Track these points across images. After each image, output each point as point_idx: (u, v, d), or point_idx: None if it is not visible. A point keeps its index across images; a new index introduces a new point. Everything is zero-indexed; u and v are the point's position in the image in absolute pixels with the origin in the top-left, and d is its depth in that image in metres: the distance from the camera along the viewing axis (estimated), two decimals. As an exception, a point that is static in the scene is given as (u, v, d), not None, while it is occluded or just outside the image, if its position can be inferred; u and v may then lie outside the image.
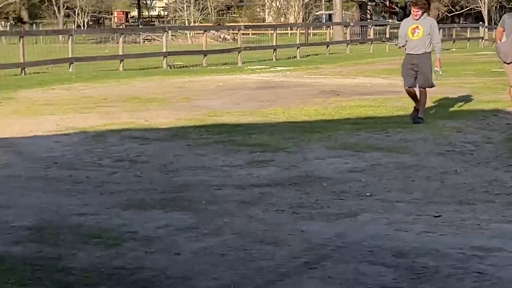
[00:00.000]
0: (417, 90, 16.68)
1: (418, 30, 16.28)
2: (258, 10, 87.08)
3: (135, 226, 8.88)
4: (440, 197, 10.23)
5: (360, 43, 59.14)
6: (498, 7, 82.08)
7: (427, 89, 16.56)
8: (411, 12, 16.76)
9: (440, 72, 16.65)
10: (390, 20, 76.78)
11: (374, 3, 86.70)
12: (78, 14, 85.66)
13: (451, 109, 18.87)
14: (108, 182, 11.29)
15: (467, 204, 9.82)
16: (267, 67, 37.22)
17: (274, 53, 43.36)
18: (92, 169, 12.32)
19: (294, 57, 44.50)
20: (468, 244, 8.05)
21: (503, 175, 11.53)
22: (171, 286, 6.91)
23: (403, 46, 16.86)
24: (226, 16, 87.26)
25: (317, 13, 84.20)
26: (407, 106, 18.15)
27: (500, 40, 16.98)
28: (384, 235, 8.44)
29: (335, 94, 23.03)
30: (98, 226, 8.88)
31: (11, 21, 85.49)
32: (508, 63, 16.82)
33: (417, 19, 16.40)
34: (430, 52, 16.53)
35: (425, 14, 16.78)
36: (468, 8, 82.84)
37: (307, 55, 45.92)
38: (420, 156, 13.14)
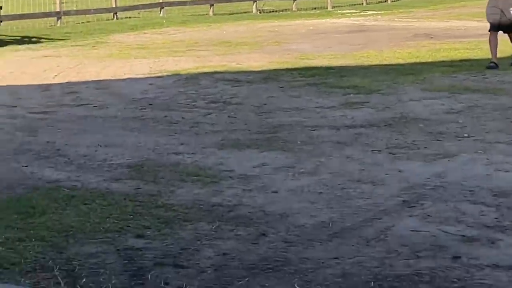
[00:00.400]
0: None
1: None
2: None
3: (231, 164, 8.95)
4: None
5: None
6: None
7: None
8: None
9: None
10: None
11: None
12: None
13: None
14: (203, 123, 11.37)
15: None
16: (358, 11, 36.88)
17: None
18: (186, 110, 12.41)
19: (385, 1, 44.02)
20: None
21: None
22: (269, 223, 6.94)
23: None
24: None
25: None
26: (504, 48, 17.83)
27: None
28: (484, 175, 8.37)
29: (428, 37, 22.74)
30: (195, 165, 8.97)
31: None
32: None
33: None
34: None
35: None
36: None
37: None
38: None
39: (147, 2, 36.28)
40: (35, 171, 8.77)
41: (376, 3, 42.60)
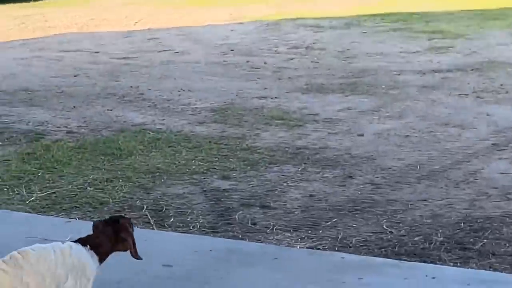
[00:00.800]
0: None
1: None
2: None
3: (315, 108, 8.92)
4: None
5: None
6: None
7: None
8: None
9: None
10: None
11: None
12: None
13: None
14: (286, 68, 11.34)
15: None
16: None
17: None
18: (268, 55, 12.38)
19: None
20: None
21: None
22: (356, 165, 6.93)
23: None
24: None
25: None
26: None
27: None
28: None
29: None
30: (279, 108, 8.96)
31: None
32: None
33: None
34: None
35: None
36: None
37: None
38: None
39: None
40: (119, 114, 8.84)
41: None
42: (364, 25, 15.12)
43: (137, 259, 3.76)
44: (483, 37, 13.20)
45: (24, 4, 20.57)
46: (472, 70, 10.76)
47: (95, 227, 3.73)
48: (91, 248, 3.59)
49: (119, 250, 3.68)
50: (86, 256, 3.55)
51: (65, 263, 3.48)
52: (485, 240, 5.30)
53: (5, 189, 6.48)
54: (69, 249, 3.51)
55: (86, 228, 5.54)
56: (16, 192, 6.41)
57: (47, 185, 6.55)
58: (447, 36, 13.05)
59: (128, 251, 3.64)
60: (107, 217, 3.83)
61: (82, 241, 3.61)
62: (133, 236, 3.72)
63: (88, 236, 3.65)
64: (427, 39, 13.28)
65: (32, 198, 6.25)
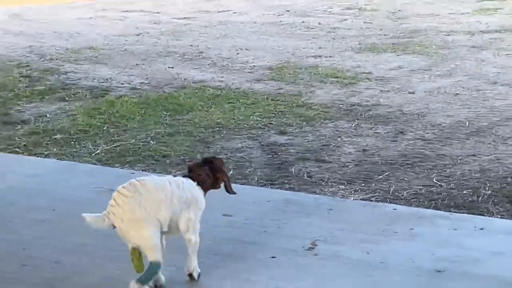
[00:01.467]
0: None
1: None
2: None
3: (368, 67, 8.91)
4: None
5: None
6: None
7: None
8: None
9: None
10: None
11: None
12: None
13: None
14: (340, 28, 11.31)
15: None
16: None
17: None
18: (323, 15, 12.34)
19: None
20: None
21: None
22: (407, 121, 6.93)
23: None
24: None
25: None
26: None
27: None
28: None
29: None
30: (333, 67, 8.95)
31: None
32: None
33: None
34: None
35: None
36: None
37: None
38: None
39: None
40: (180, 72, 8.89)
41: None
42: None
43: (233, 193, 4.10)
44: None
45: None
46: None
47: (194, 165, 4.01)
48: (199, 184, 3.87)
49: (216, 188, 4.00)
50: (197, 189, 3.85)
51: (181, 195, 3.76)
52: (532, 193, 5.32)
53: (72, 142, 6.58)
54: (181, 183, 3.80)
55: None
56: (83, 145, 6.51)
57: (112, 138, 6.64)
58: (496, -1, 12.87)
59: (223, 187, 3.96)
60: (200, 159, 4.13)
61: (192, 178, 3.89)
62: (228, 175, 4.02)
63: (193, 173, 3.91)
64: (476, 1, 13.14)
65: (98, 151, 6.35)
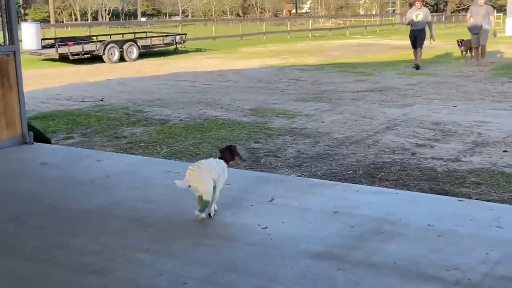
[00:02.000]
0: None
1: (419, 15, 14.53)
2: (356, 9, 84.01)
3: (301, 109, 8.97)
4: (456, 97, 9.87)
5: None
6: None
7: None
8: (415, 4, 14.77)
9: (434, 40, 14.81)
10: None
11: (427, 5, 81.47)
12: (266, 10, 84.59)
13: (459, 54, 17.79)
14: (286, 89, 11.36)
15: (471, 100, 9.45)
16: (362, 36, 35.96)
17: (365, 29, 41.81)
18: (278, 83, 12.41)
19: (375, 31, 42.74)
20: (472, 119, 7.79)
21: (489, 87, 11.00)
22: (320, 136, 6.99)
23: (408, 24, 15.12)
24: (339, 11, 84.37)
25: (387, 9, 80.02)
26: (440, 53, 17.39)
27: (469, 21, 15.33)
28: (427, 114, 8.25)
29: (397, 48, 22.10)
30: (283, 109, 9.01)
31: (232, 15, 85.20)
32: (474, 34, 15.10)
33: (419, 8, 14.59)
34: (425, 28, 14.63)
35: (423, 5, 15.00)
36: (468, 5, 76.76)
37: (383, 30, 44.04)
38: (445, 77, 12.64)
39: (257, 31, 36.07)
40: (205, 111, 8.93)
41: (372, 32, 41.34)
42: (325, 69, 15.03)
43: (244, 161, 5.00)
44: (382, 75, 13.14)
45: (159, 58, 20.67)
46: (377, 91, 10.73)
47: (221, 150, 4.11)
48: (225, 161, 4.00)
49: (234, 160, 4.14)
50: (225, 165, 3.98)
51: (218, 167, 3.92)
52: (382, 173, 5.36)
53: (149, 147, 6.60)
54: (218, 161, 3.96)
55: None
56: (155, 149, 6.53)
57: (170, 145, 6.65)
58: (364, 74, 12.98)
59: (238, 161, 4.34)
60: (224, 146, 4.26)
61: (220, 157, 4.01)
62: (239, 153, 4.21)
63: (221, 155, 4.03)
64: (355, 75, 13.23)
65: (163, 152, 6.37)
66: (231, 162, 4.11)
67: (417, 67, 14.37)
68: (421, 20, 14.54)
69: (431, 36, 14.64)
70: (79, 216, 4.20)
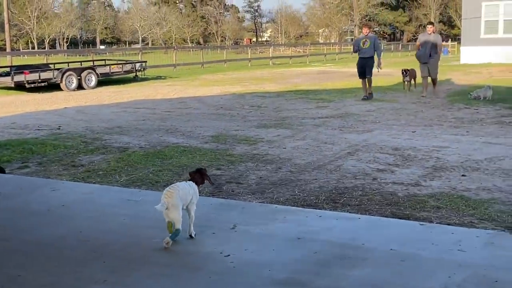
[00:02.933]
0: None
1: (366, 42, 13.90)
2: (316, 37, 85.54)
3: (263, 135, 8.93)
4: (415, 123, 10.02)
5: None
6: (439, 33, 78.50)
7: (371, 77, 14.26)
8: (362, 30, 14.37)
9: (381, 68, 14.20)
10: (382, 40, 73.96)
11: (375, 32, 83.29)
12: (227, 38, 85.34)
13: (417, 81, 18.20)
14: (248, 116, 11.33)
15: (429, 126, 9.61)
16: (321, 63, 36.58)
17: (325, 57, 42.59)
18: (239, 110, 12.38)
19: (335, 59, 43.56)
20: (431, 144, 7.89)
21: (446, 113, 11.23)
22: (282, 162, 6.96)
23: (355, 52, 14.49)
24: (299, 39, 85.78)
25: (346, 38, 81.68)
26: (398, 80, 17.76)
27: (418, 49, 14.29)
28: (387, 140, 8.32)
29: (356, 75, 22.48)
30: (244, 135, 8.95)
31: (193, 43, 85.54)
32: (423, 63, 14.23)
33: (366, 35, 14.03)
34: (373, 56, 14.00)
35: (371, 32, 14.42)
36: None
37: (342, 58, 44.92)
38: (403, 103, 12.85)
39: (218, 59, 36.29)
40: (165, 138, 8.81)
41: (331, 60, 42.12)
42: (286, 96, 15.13)
43: (212, 184, 5.07)
44: (342, 101, 13.29)
45: (119, 85, 20.49)
46: (338, 117, 10.80)
47: (192, 173, 4.25)
48: (195, 183, 4.17)
49: (203, 183, 4.28)
50: (196, 187, 4.14)
51: (191, 190, 4.08)
52: (344, 198, 5.36)
53: (108, 175, 6.45)
54: (190, 183, 4.12)
55: (151, 195, 5.52)
56: (113, 176, 6.39)
57: (129, 173, 6.51)
58: (325, 101, 13.07)
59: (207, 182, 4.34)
60: (194, 169, 4.36)
61: (191, 180, 4.15)
62: (209, 176, 4.35)
63: (191, 178, 4.18)
64: (316, 102, 13.32)
65: (121, 180, 6.23)
66: (201, 185, 4.22)
67: (368, 97, 13.76)
68: (369, 47, 13.89)
69: (379, 64, 13.97)
70: (32, 248, 4.05)
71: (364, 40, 14.02)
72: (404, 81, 15.89)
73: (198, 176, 4.24)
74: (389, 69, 21.33)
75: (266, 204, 5.12)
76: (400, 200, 5.25)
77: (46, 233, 4.35)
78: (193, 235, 4.09)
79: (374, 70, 14.15)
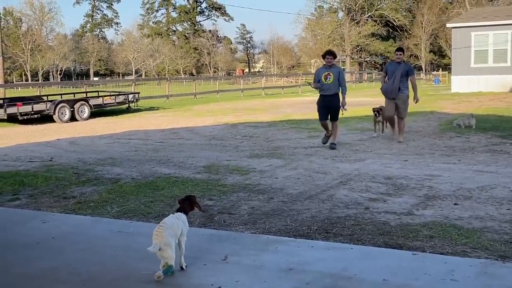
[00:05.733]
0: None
1: (329, 77, 10.53)
2: (307, 68, 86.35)
3: (255, 165, 8.91)
4: (407, 152, 10.04)
5: (359, 82, 56.87)
6: (429, 63, 79.48)
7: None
8: (325, 60, 10.73)
9: (345, 109, 11.02)
10: (370, 71, 74.70)
11: (365, 62, 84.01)
12: (220, 69, 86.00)
13: (409, 110, 18.34)
14: (240, 146, 11.33)
15: (421, 155, 9.63)
16: (314, 93, 36.72)
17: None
18: (231, 140, 12.38)
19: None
20: (422, 173, 7.90)
21: (438, 142, 11.27)
22: (274, 192, 6.93)
23: (316, 89, 10.95)
24: (291, 69, 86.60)
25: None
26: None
27: (384, 82, 11.51)
28: (379, 169, 8.32)
29: (348, 105, 22.61)
30: (236, 165, 8.93)
31: (187, 74, 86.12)
32: (390, 99, 11.38)
33: (329, 67, 10.64)
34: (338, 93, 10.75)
35: (334, 63, 10.79)
36: (414, 64, 79.42)
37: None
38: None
39: (211, 90, 36.52)
40: (157, 169, 8.77)
41: (324, 89, 42.25)
42: (278, 125, 15.17)
43: (204, 212, 5.22)
44: (335, 130, 13.28)
45: (112, 117, 20.50)
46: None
47: (181, 201, 4.30)
48: (184, 212, 4.16)
49: (193, 210, 4.34)
50: (185, 217, 4.13)
51: (179, 223, 4.06)
52: (337, 228, 5.34)
53: (99, 207, 6.41)
54: (178, 216, 4.09)
55: (143, 227, 5.48)
56: (104, 208, 6.35)
57: (120, 205, 6.47)
58: (317, 130, 13.00)
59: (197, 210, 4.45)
60: (183, 196, 4.46)
61: (180, 210, 4.16)
62: (198, 203, 4.40)
63: (180, 207, 4.20)
64: (308, 132, 13.37)
65: (113, 211, 6.19)
66: (190, 212, 4.25)
67: (333, 147, 10.51)
68: (333, 82, 10.54)
69: (343, 105, 10.77)
70: (21, 281, 3.99)
71: (326, 73, 10.62)
72: (375, 122, 12.54)
73: (187, 204, 4.25)
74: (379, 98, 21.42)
75: (258, 235, 5.09)
76: (393, 229, 5.23)
77: (35, 266, 4.30)
78: (183, 267, 4.06)
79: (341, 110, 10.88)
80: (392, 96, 11.34)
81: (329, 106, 10.76)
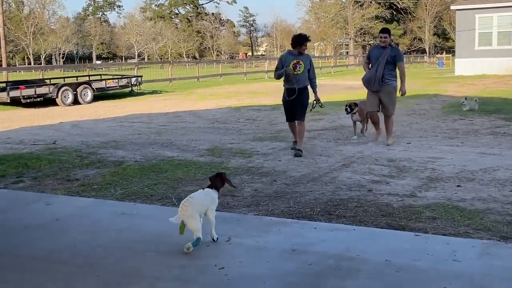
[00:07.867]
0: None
1: (299, 65, 8.31)
2: (311, 51, 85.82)
3: (258, 148, 8.93)
4: (410, 134, 10.05)
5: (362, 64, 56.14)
6: (433, 46, 79.06)
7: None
8: (300, 48, 8.35)
9: (321, 105, 9.06)
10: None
11: (369, 45, 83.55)
12: (223, 52, 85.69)
13: (412, 93, 18.25)
14: (243, 129, 11.34)
15: (424, 137, 9.63)
16: (317, 76, 36.63)
17: (320, 70, 42.59)
18: (234, 123, 12.39)
19: (330, 72, 43.68)
20: (425, 155, 7.90)
21: (441, 124, 11.26)
22: (277, 174, 6.94)
23: (278, 78, 8.80)
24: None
25: (341, 51, 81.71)
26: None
27: (367, 71, 9.18)
28: (382, 151, 8.32)
29: (351, 88, 22.58)
30: (239, 148, 8.95)
31: (190, 57, 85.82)
32: (373, 91, 9.07)
33: (298, 55, 8.35)
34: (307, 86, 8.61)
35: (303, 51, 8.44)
36: (418, 47, 78.95)
37: (337, 71, 45.10)
38: (397, 115, 12.68)
39: (214, 73, 36.42)
40: (161, 152, 8.79)
41: (326, 73, 42.21)
42: (281, 109, 14.73)
43: (234, 187, 5.26)
44: (337, 114, 13.28)
45: (115, 100, 20.54)
46: (333, 129, 10.87)
47: (212, 178, 4.40)
48: (214, 189, 4.32)
49: (223, 186, 4.45)
50: (215, 194, 4.31)
51: (207, 199, 4.22)
52: (340, 210, 5.35)
53: (103, 189, 6.42)
54: (207, 192, 4.25)
55: (146, 209, 5.51)
56: (108, 190, 6.36)
57: (124, 187, 6.49)
58: (320, 113, 12.93)
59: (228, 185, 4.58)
60: (214, 174, 4.56)
61: (210, 186, 4.32)
62: (230, 180, 4.55)
63: (211, 183, 4.35)
64: (310, 115, 13.20)
65: (117, 194, 6.20)
66: (221, 189, 4.34)
67: (300, 152, 8.21)
68: (303, 73, 8.37)
69: (317, 100, 8.79)
70: (25, 262, 4.02)
71: (295, 61, 8.34)
72: (354, 122, 10.00)
73: (218, 181, 4.40)
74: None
75: (261, 217, 5.11)
76: (395, 211, 5.23)
77: (40, 247, 4.33)
78: (215, 239, 4.26)
79: (308, 109, 8.75)
80: (375, 88, 8.95)
81: (298, 103, 8.49)
